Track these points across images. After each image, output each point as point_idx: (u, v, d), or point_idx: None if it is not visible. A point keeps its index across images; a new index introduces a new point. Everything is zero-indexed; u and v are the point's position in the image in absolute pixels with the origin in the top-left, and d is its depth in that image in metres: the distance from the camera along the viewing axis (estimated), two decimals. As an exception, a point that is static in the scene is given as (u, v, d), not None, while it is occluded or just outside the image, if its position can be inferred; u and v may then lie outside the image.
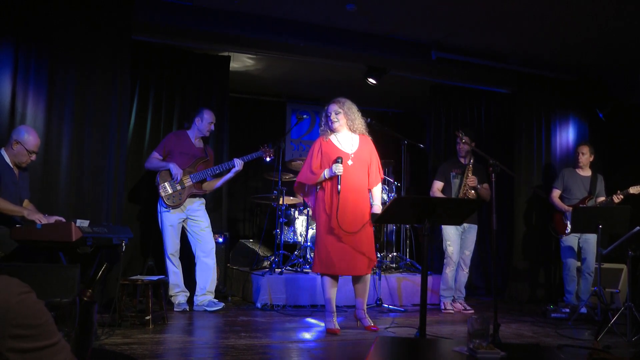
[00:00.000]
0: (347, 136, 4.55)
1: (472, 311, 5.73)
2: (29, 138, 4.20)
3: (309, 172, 4.49)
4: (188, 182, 5.21)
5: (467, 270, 5.93)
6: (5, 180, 4.09)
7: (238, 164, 5.29)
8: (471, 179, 5.75)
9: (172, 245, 5.23)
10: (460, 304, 5.88)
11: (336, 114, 4.49)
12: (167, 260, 5.25)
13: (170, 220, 5.22)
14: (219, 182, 5.48)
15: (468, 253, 5.90)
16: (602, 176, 6.24)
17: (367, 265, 4.39)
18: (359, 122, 4.58)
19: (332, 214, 4.32)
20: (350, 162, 4.43)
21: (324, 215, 4.38)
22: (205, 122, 5.35)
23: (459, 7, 5.48)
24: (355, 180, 4.42)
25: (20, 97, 4.78)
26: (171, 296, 5.23)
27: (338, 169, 4.32)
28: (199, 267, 5.31)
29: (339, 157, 4.35)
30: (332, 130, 4.54)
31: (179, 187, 5.18)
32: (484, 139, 7.52)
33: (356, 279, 4.50)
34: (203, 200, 5.45)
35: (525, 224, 6.92)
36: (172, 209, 5.18)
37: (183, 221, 5.31)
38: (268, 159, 5.54)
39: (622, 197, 5.83)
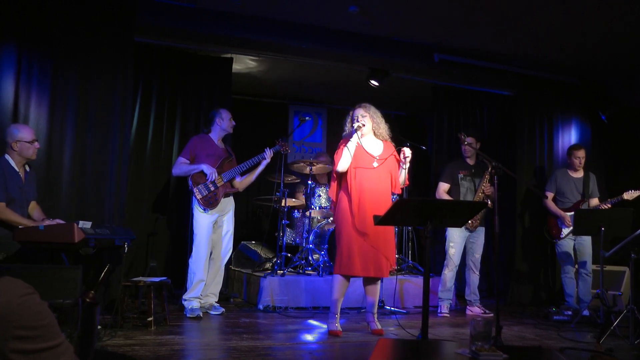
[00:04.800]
0: (372, 140, 4.57)
1: (492, 314, 5.63)
2: (23, 132, 4.19)
3: (336, 163, 4.47)
4: (221, 181, 5.18)
5: (477, 272, 5.92)
6: (10, 186, 4.09)
7: (267, 155, 5.30)
8: (488, 188, 5.71)
9: (205, 249, 5.11)
10: (479, 307, 5.87)
11: (362, 117, 4.51)
12: (198, 263, 5.07)
13: (207, 224, 5.11)
14: (252, 177, 5.43)
15: (477, 256, 5.90)
16: (594, 175, 6.22)
17: (386, 268, 4.40)
18: (384, 127, 4.62)
19: (356, 216, 4.33)
20: (375, 165, 4.46)
21: (347, 216, 4.38)
22: (226, 119, 5.34)
23: (461, 9, 5.48)
24: (379, 183, 4.45)
25: (23, 99, 4.79)
26: (185, 300, 5.09)
27: (357, 125, 4.42)
28: (209, 266, 5.27)
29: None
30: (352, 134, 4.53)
31: (212, 188, 5.14)
32: (486, 141, 7.51)
33: (369, 281, 4.50)
34: (234, 204, 5.44)
35: (527, 226, 6.91)
36: (210, 209, 5.12)
37: (214, 222, 5.23)
38: (284, 152, 5.57)
39: (609, 206, 5.79)
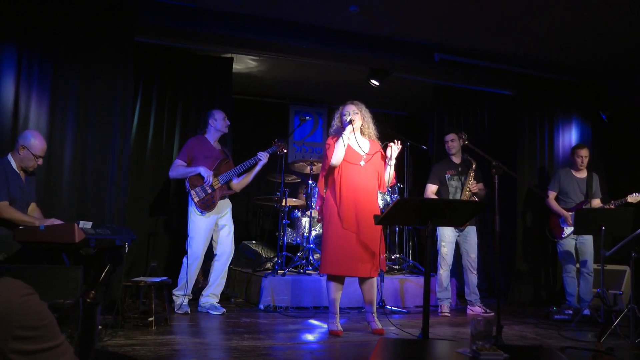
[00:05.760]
0: (360, 138, 4.55)
1: (493, 314, 5.59)
2: (36, 142, 4.20)
3: (326, 161, 4.45)
4: (217, 184, 5.20)
5: (475, 272, 5.90)
6: (12, 186, 4.10)
7: (264, 156, 5.29)
8: (474, 186, 5.73)
9: (200, 251, 5.17)
10: (479, 306, 5.85)
11: (354, 114, 4.49)
12: (191, 265, 5.14)
13: (203, 226, 5.16)
14: (249, 179, 5.44)
15: (473, 256, 5.87)
16: (597, 175, 6.22)
17: (374, 268, 4.38)
18: (372, 127, 4.61)
19: (341, 214, 4.32)
20: (362, 163, 4.45)
21: (332, 216, 4.38)
22: (219, 120, 5.35)
23: (462, 9, 5.48)
24: (366, 181, 4.44)
25: (24, 99, 4.79)
26: (175, 296, 5.18)
27: (350, 118, 4.42)
28: (214, 268, 5.31)
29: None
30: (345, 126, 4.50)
31: (209, 191, 5.15)
32: (487, 141, 7.52)
33: (362, 281, 4.50)
34: (231, 205, 5.45)
35: (527, 226, 6.91)
36: (208, 212, 5.15)
37: (214, 225, 5.27)
38: (281, 153, 5.57)
39: (612, 207, 5.79)
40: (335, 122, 4.60)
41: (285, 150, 5.61)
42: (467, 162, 5.85)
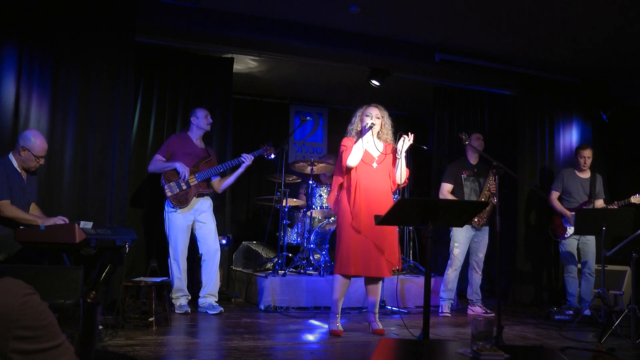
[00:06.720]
0: (376, 141, 4.55)
1: (493, 314, 5.56)
2: (36, 143, 4.19)
3: (342, 163, 4.44)
4: (194, 181, 5.20)
5: (480, 272, 5.90)
6: (13, 186, 4.10)
7: (247, 158, 5.31)
8: (494, 186, 5.68)
9: (179, 248, 5.19)
10: (480, 307, 5.84)
11: (377, 118, 4.49)
12: (174, 263, 5.20)
13: (179, 222, 5.18)
14: (230, 180, 5.44)
15: (481, 255, 5.87)
16: (600, 176, 6.21)
17: (387, 267, 4.39)
18: (390, 132, 4.61)
19: (355, 214, 4.33)
20: (375, 165, 4.45)
21: (346, 216, 4.38)
22: (201, 117, 5.36)
23: (462, 9, 5.47)
24: (379, 182, 4.44)
25: (24, 99, 4.79)
26: (173, 298, 5.20)
27: (371, 122, 4.41)
28: (203, 268, 5.32)
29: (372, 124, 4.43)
30: (365, 132, 4.50)
31: (184, 187, 5.16)
32: (487, 141, 7.50)
33: (370, 280, 4.50)
34: (211, 202, 5.45)
35: (528, 226, 6.91)
36: (180, 208, 5.16)
37: (192, 223, 5.29)
38: (268, 157, 5.54)
39: (615, 208, 5.79)
40: (355, 121, 4.59)
41: (273, 156, 5.57)
42: (486, 164, 5.76)
